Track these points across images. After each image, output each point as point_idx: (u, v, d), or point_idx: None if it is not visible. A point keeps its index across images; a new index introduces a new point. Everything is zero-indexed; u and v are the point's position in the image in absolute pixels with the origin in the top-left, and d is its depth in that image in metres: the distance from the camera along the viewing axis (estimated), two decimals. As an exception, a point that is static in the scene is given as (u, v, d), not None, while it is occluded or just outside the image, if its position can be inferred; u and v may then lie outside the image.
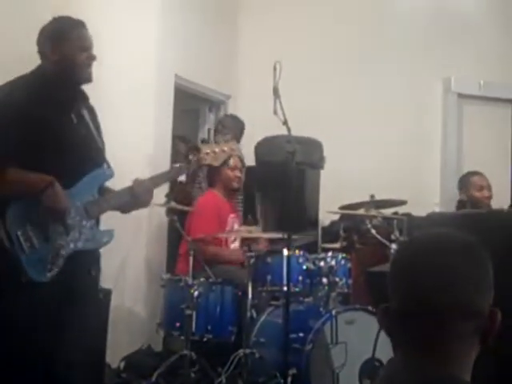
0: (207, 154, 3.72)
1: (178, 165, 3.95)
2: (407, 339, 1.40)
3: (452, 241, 1.44)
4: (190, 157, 3.73)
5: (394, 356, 1.44)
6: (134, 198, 3.45)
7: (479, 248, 1.44)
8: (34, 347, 3.09)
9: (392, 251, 4.77)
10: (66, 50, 3.28)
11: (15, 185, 3.15)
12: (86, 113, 3.39)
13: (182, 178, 6.67)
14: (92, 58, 3.34)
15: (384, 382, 1.41)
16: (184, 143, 6.50)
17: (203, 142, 4.05)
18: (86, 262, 3.33)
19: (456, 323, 1.37)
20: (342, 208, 5.43)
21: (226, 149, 3.79)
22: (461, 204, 6.07)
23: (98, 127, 3.50)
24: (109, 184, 3.55)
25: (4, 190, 3.12)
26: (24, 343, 3.08)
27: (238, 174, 5.77)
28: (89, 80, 3.37)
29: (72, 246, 3.23)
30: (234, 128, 6.59)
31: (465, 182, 6.21)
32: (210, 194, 5.81)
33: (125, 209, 3.55)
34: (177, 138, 6.46)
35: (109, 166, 3.45)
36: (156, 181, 3.61)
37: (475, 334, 1.39)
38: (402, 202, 5.53)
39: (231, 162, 5.70)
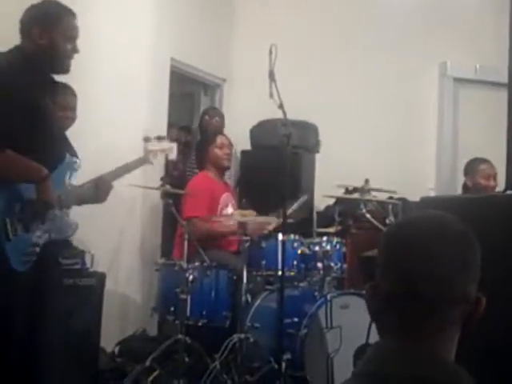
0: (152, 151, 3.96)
1: (137, 157, 3.98)
2: (395, 322, 1.40)
3: (442, 226, 1.43)
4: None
5: (379, 338, 1.44)
6: (97, 193, 3.45)
7: (469, 234, 1.43)
8: (11, 335, 3.06)
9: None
10: (55, 36, 3.20)
11: (16, 168, 3.07)
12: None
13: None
14: (76, 50, 3.28)
15: (369, 364, 1.40)
16: (174, 128, 6.51)
17: (158, 138, 4.13)
18: (55, 252, 3.32)
19: (444, 309, 1.37)
20: (339, 186, 5.36)
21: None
22: (465, 189, 5.94)
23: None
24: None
25: (5, 171, 3.03)
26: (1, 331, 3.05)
27: (226, 151, 5.75)
28: (67, 71, 3.30)
29: (46, 236, 3.17)
30: (220, 115, 6.68)
31: (472, 168, 5.93)
32: (201, 175, 5.78)
33: (86, 203, 3.51)
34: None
35: (77, 157, 3.40)
36: (115, 174, 3.62)
37: (461, 318, 1.39)
38: (392, 192, 5.56)
39: (218, 140, 5.72)
